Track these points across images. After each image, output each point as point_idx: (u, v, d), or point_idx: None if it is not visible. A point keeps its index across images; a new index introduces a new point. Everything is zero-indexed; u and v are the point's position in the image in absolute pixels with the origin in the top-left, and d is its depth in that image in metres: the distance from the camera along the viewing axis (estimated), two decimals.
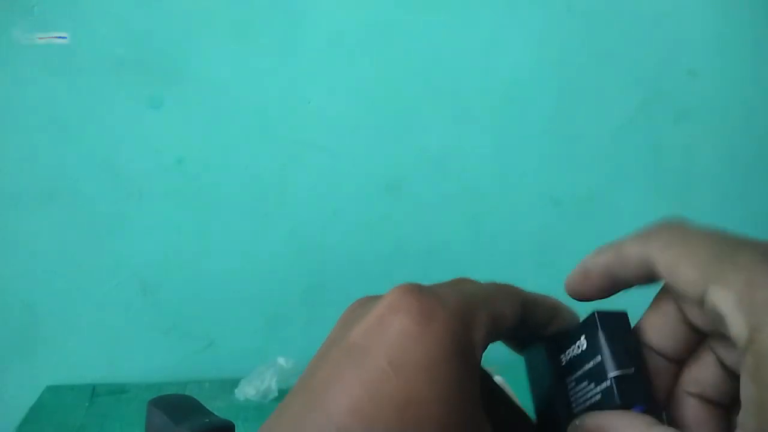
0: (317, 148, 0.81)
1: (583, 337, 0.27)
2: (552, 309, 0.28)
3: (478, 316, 0.24)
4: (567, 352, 0.28)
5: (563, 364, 0.28)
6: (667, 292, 0.26)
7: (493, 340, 0.26)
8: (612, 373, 0.26)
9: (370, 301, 0.25)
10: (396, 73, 0.83)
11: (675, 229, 0.24)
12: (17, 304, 0.74)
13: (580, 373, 0.27)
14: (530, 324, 0.28)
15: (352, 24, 0.81)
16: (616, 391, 0.25)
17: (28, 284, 0.74)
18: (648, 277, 0.25)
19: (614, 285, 0.26)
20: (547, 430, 0.29)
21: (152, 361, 0.77)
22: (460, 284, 0.26)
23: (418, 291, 0.24)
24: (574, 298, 0.27)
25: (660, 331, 0.26)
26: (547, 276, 0.88)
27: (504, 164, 0.87)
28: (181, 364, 0.79)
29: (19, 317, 0.74)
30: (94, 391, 0.72)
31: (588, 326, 0.27)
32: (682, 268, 0.23)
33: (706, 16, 0.93)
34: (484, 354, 0.25)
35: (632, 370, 0.26)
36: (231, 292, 0.79)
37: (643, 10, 0.91)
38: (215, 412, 0.46)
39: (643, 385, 0.26)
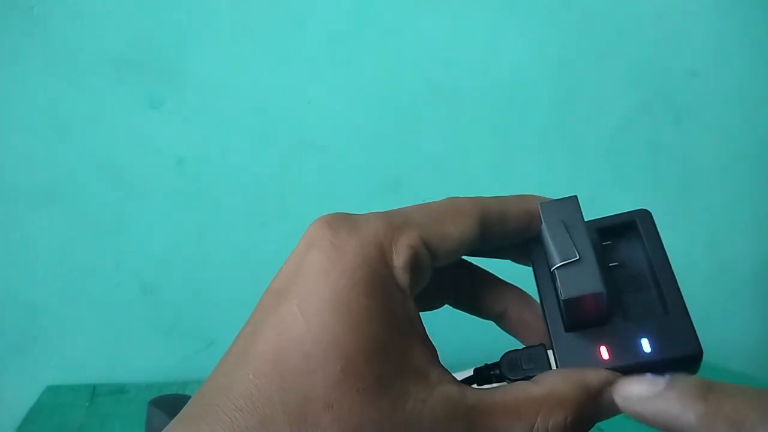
0: (317, 148, 0.81)
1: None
2: (525, 214, 0.27)
3: (402, 240, 0.23)
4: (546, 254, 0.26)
5: (547, 266, 0.26)
6: None
7: (439, 262, 0.25)
8: (553, 267, 0.24)
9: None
10: (396, 73, 0.83)
11: None
12: (17, 304, 0.73)
13: (551, 272, 0.25)
14: (504, 235, 0.26)
15: (352, 24, 0.81)
16: (559, 285, 0.23)
17: (28, 284, 0.74)
18: None
19: None
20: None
21: (152, 361, 0.77)
22: (405, 208, 0.25)
23: (334, 222, 0.23)
24: None
25: None
26: None
27: (504, 164, 0.87)
28: (181, 364, 0.79)
29: (19, 317, 0.74)
30: (94, 391, 0.72)
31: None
32: None
33: (706, 16, 0.93)
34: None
35: (576, 257, 0.23)
36: (231, 292, 0.79)
37: (643, 10, 0.91)
38: None
39: (594, 271, 0.23)
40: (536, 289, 0.27)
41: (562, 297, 0.23)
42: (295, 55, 0.79)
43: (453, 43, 0.84)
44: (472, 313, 0.30)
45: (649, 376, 0.22)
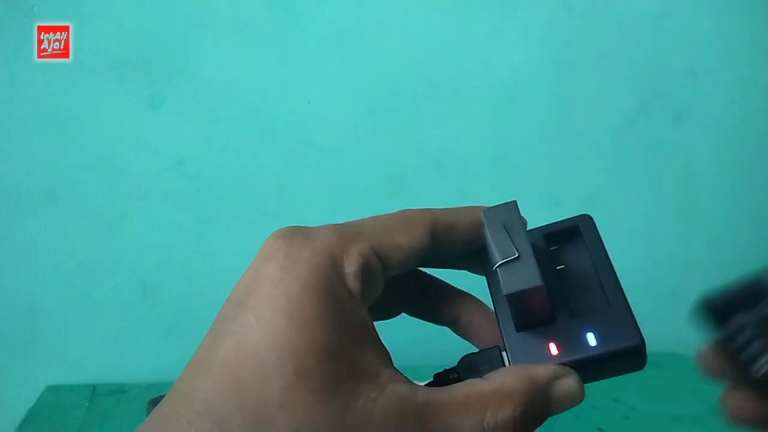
0: (317, 148, 0.81)
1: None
2: (472, 223, 0.28)
3: (353, 249, 0.24)
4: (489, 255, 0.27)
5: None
6: None
7: (392, 270, 0.26)
8: (495, 265, 0.25)
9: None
10: (396, 73, 0.83)
11: None
12: (17, 304, 0.73)
13: (494, 270, 0.26)
14: (454, 245, 0.28)
15: (352, 24, 0.81)
16: (501, 282, 0.25)
17: (28, 284, 0.74)
18: None
19: None
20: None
21: (152, 361, 0.77)
22: (357, 220, 0.27)
23: (288, 235, 0.24)
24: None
25: None
26: None
27: (504, 164, 0.87)
28: (181, 364, 0.78)
29: (19, 317, 0.74)
30: (94, 391, 0.71)
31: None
32: None
33: (706, 16, 0.93)
34: None
35: (515, 255, 0.25)
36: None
37: (643, 10, 0.91)
38: None
39: (532, 267, 0.24)
40: (489, 295, 0.29)
41: (504, 293, 0.24)
42: (295, 55, 0.79)
43: (453, 43, 0.84)
44: (427, 320, 0.32)
45: None
